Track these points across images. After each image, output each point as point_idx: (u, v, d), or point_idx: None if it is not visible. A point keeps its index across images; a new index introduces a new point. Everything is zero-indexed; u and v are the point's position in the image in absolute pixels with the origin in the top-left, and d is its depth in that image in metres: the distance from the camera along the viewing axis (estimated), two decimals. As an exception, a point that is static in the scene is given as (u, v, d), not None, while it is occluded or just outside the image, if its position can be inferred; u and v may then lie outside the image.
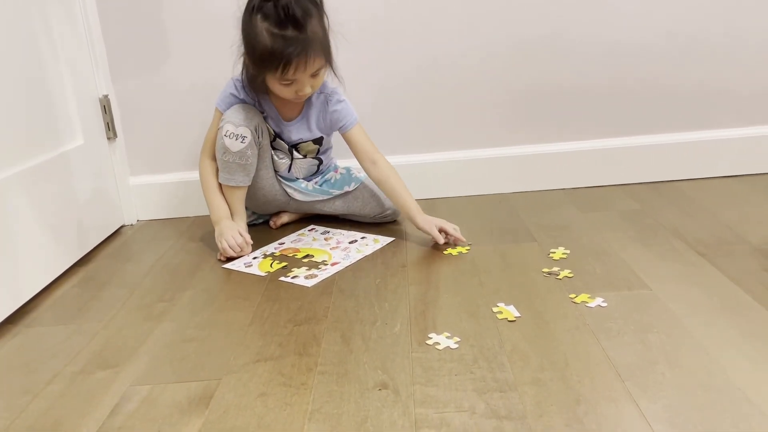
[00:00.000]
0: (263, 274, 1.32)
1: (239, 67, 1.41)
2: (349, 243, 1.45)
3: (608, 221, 1.47)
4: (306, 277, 1.28)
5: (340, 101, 1.46)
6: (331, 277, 1.28)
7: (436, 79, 1.69)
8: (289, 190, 1.54)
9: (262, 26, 1.26)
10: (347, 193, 1.54)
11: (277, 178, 1.54)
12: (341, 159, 1.64)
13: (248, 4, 1.30)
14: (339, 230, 1.53)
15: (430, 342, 1.00)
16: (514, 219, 1.54)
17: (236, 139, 1.38)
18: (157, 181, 1.75)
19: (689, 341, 0.94)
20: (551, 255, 1.29)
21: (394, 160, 1.73)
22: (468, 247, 1.37)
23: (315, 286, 1.24)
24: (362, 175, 1.56)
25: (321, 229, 1.56)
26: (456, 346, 0.98)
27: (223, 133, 1.39)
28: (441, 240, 1.37)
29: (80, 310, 1.22)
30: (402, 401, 0.85)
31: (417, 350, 0.98)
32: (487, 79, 1.69)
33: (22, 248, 1.25)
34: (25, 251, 1.26)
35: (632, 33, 1.66)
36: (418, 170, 1.72)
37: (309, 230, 1.56)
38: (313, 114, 1.47)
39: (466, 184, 1.75)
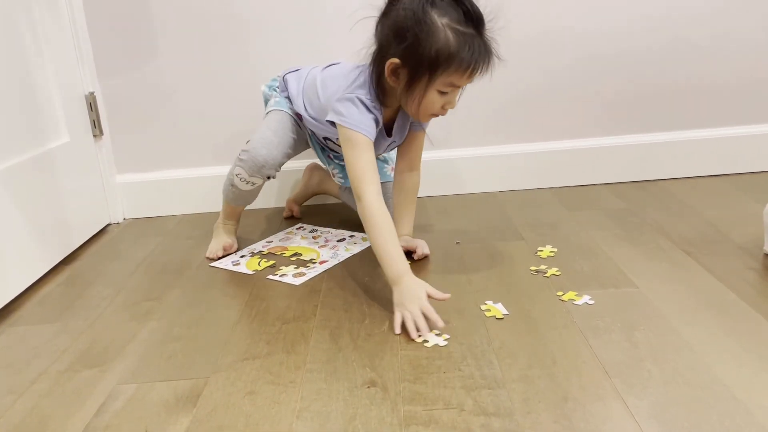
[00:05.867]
0: (251, 272, 1.31)
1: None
2: (338, 241, 1.45)
3: (595, 220, 1.48)
4: (294, 276, 1.28)
5: None
6: (320, 275, 1.27)
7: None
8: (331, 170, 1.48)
9: (441, 22, 1.09)
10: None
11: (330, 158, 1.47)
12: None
13: None
14: (327, 228, 1.53)
15: (419, 339, 1.00)
16: (501, 218, 1.54)
17: (247, 183, 1.35)
18: (144, 179, 1.74)
19: (675, 339, 0.95)
20: (539, 253, 1.30)
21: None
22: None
23: (303, 285, 1.24)
24: (391, 173, 1.51)
25: (309, 227, 1.56)
26: (445, 343, 0.98)
27: (235, 173, 1.34)
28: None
29: (66, 309, 1.21)
30: (390, 399, 0.85)
31: (405, 348, 0.98)
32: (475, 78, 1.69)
33: (6, 246, 1.24)
34: (10, 249, 1.25)
35: (618, 33, 1.67)
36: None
37: (297, 229, 1.55)
38: (408, 121, 1.33)
39: (454, 183, 1.76)
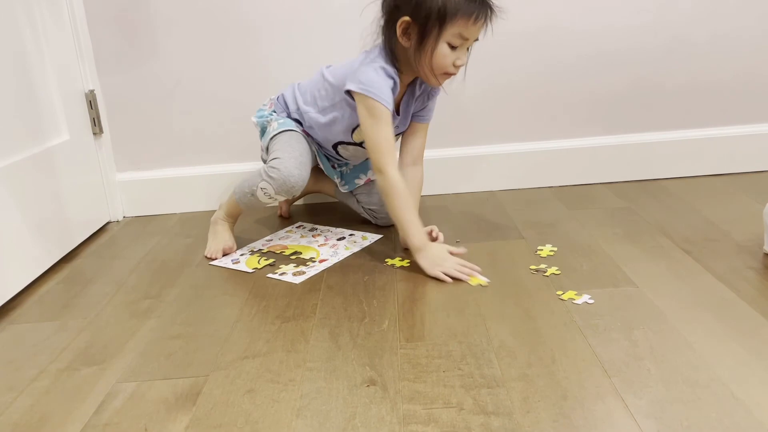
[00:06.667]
0: (250, 270, 1.31)
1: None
2: (338, 240, 1.45)
3: (595, 219, 1.48)
4: (294, 274, 1.28)
5: (438, 92, 1.40)
6: (319, 274, 1.27)
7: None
8: (336, 180, 1.51)
9: None
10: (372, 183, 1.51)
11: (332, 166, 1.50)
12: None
13: None
14: (327, 227, 1.53)
15: (473, 282, 1.06)
16: (502, 216, 1.54)
17: (269, 198, 1.33)
18: (144, 177, 1.73)
19: (675, 337, 0.95)
20: (539, 252, 1.30)
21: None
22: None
23: (303, 283, 1.24)
24: None
25: (309, 225, 1.56)
26: (488, 281, 1.17)
27: (260, 186, 1.31)
28: None
29: (65, 307, 1.21)
30: (390, 397, 0.85)
31: (405, 347, 0.98)
32: (475, 76, 1.69)
33: (6, 244, 1.24)
34: (10, 247, 1.25)
35: (619, 32, 1.67)
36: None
37: (297, 227, 1.55)
38: (411, 104, 1.37)
39: (455, 182, 1.76)
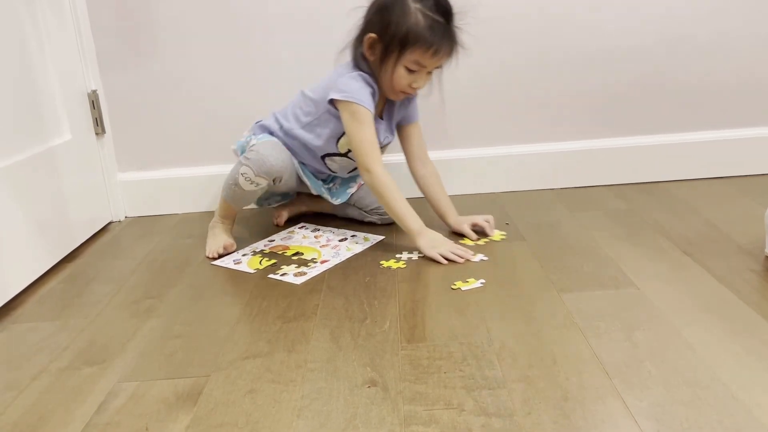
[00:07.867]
0: (252, 271, 1.32)
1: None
2: (339, 241, 1.45)
3: (596, 221, 1.48)
4: (295, 275, 1.28)
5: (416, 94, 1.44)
6: (321, 274, 1.28)
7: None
8: (326, 196, 1.52)
9: (414, 6, 1.26)
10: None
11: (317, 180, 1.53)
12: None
13: None
14: (329, 228, 1.53)
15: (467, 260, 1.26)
16: (503, 218, 1.54)
17: (251, 183, 1.36)
18: (146, 178, 1.74)
19: (675, 339, 0.95)
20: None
21: (384, 159, 1.73)
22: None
23: (304, 284, 1.24)
24: None
25: (311, 226, 1.56)
26: (487, 258, 1.26)
27: (241, 171, 1.36)
28: (473, 236, 1.41)
29: (66, 306, 1.21)
30: (391, 398, 0.85)
31: (406, 348, 0.98)
32: (476, 80, 1.69)
33: (7, 244, 1.24)
34: (11, 247, 1.25)
35: (621, 35, 1.67)
36: (408, 170, 1.72)
37: (299, 228, 1.55)
38: (394, 111, 1.45)
39: (457, 184, 1.76)
